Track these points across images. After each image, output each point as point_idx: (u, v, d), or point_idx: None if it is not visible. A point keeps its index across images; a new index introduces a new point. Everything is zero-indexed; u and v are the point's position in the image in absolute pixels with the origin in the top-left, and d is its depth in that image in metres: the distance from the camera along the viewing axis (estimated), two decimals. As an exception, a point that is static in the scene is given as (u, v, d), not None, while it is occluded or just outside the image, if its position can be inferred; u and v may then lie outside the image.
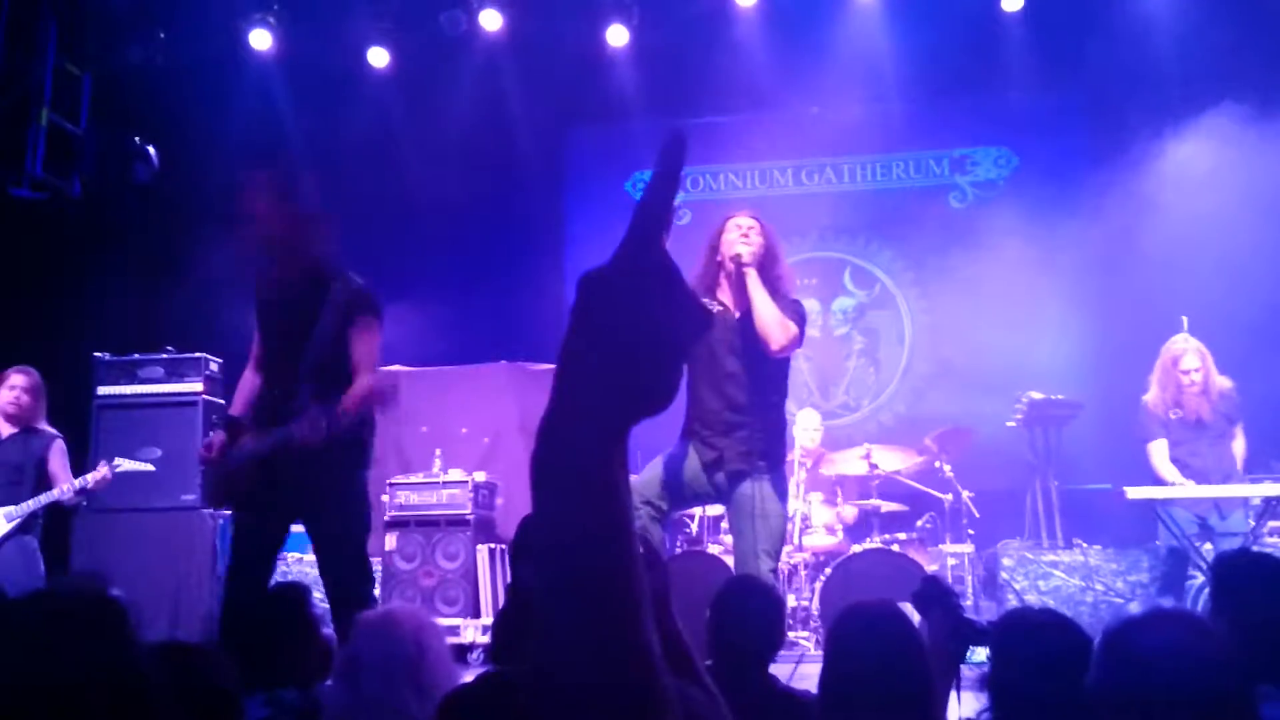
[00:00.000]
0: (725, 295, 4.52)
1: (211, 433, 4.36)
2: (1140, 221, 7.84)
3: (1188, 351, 6.25)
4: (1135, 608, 1.69)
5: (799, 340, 4.44)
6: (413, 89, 8.54)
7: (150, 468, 6.27)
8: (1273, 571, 3.03)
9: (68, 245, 7.75)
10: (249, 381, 4.29)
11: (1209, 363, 6.25)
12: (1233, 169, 7.58)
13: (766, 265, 4.47)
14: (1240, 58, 7.63)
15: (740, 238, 4.46)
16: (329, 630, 3.04)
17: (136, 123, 7.59)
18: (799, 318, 4.46)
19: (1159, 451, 6.26)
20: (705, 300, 4.44)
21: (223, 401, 6.86)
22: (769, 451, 4.47)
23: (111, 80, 7.56)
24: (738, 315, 4.47)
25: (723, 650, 2.88)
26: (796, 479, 6.44)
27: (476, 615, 6.55)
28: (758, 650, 2.93)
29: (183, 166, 7.69)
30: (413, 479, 6.93)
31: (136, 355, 7.02)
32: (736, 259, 4.40)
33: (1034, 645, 2.50)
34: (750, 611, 2.93)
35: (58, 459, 5.89)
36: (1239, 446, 6.29)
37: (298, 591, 3.04)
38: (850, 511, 6.78)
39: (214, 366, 7.03)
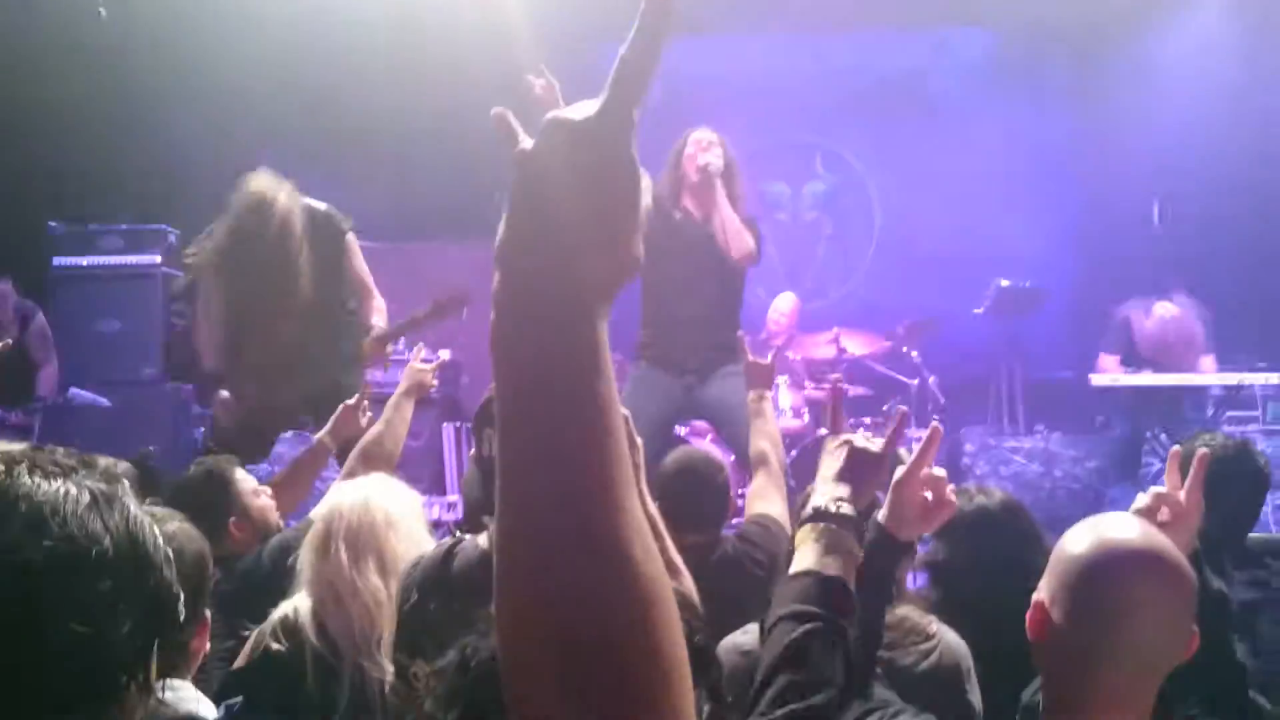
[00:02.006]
0: (688, 203, 4.76)
1: (215, 398, 4.43)
2: (1114, 107, 7.76)
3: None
4: (1091, 540, 1.58)
5: (757, 255, 4.72)
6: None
7: (105, 402, 6.20)
8: (1231, 458, 3.08)
9: (17, 109, 7.48)
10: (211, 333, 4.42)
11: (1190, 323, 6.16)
12: (1210, 55, 7.49)
13: (726, 182, 4.71)
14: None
15: (703, 150, 4.70)
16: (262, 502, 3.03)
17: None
18: (756, 233, 4.74)
19: (1110, 364, 6.24)
20: (669, 209, 4.71)
21: (182, 274, 6.74)
22: (735, 345, 4.62)
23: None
24: (700, 222, 4.72)
25: (674, 524, 2.89)
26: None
27: (442, 493, 6.57)
28: (709, 520, 2.95)
29: (144, 26, 7.39)
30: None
31: (93, 225, 6.85)
32: (706, 168, 4.63)
33: (976, 540, 2.53)
34: (696, 483, 2.94)
35: (37, 339, 5.87)
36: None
37: (219, 469, 3.00)
38: (816, 393, 6.81)
39: (173, 238, 6.87)
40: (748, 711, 1.56)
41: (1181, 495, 1.91)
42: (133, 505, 1.05)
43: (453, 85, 7.80)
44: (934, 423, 1.96)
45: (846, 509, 1.67)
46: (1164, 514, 1.90)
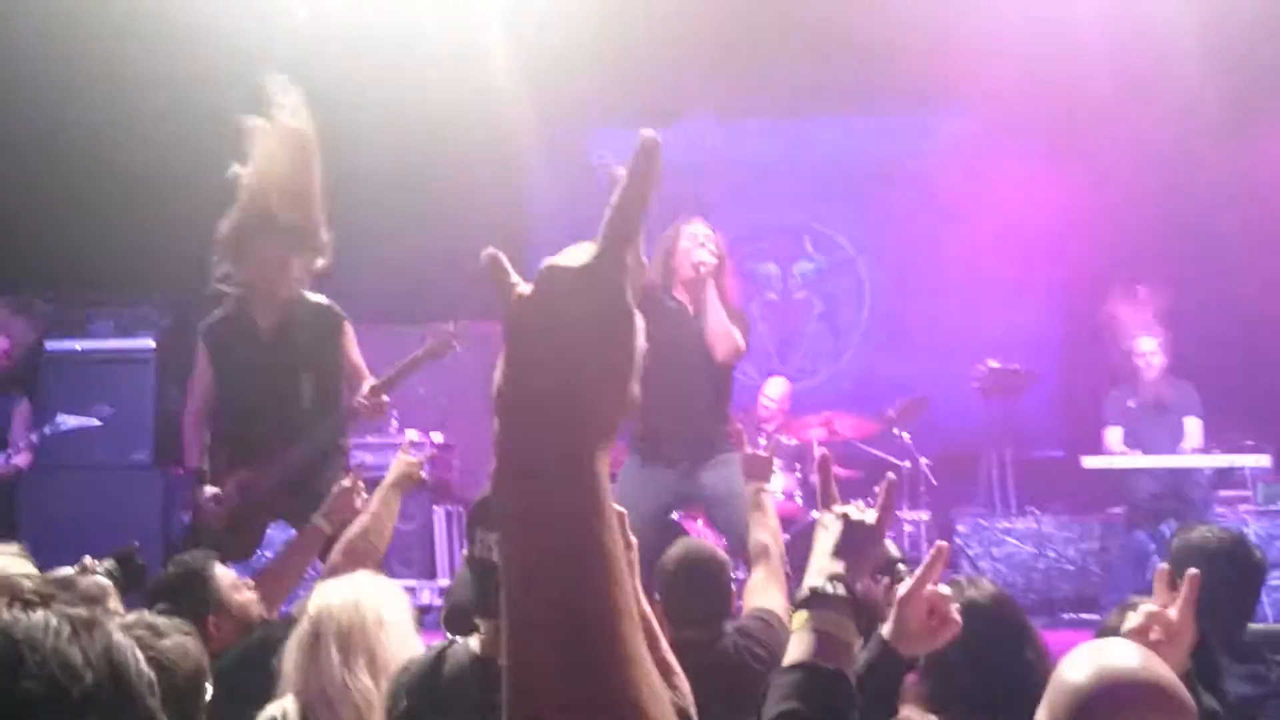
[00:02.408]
0: (681, 295, 4.79)
1: (202, 491, 4.42)
2: (1103, 186, 7.86)
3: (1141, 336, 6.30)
4: (1090, 669, 1.56)
5: (743, 351, 4.78)
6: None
7: (96, 422, 6.15)
8: (1226, 550, 3.08)
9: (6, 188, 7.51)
10: (196, 429, 4.54)
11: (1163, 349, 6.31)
12: (1200, 130, 7.58)
13: (716, 277, 4.75)
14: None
15: (699, 246, 4.72)
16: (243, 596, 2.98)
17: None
18: (745, 327, 4.80)
19: (1113, 438, 6.33)
20: (661, 298, 4.74)
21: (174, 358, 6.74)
22: (726, 435, 4.75)
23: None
24: (694, 312, 4.75)
25: (674, 619, 2.88)
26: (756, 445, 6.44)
27: (433, 577, 6.52)
28: (710, 616, 2.93)
29: (129, 105, 7.45)
30: (369, 439, 6.85)
31: (86, 309, 6.86)
32: (699, 266, 4.67)
33: (966, 633, 2.51)
34: (697, 578, 2.93)
35: (20, 424, 5.84)
36: (1193, 437, 6.30)
37: (202, 563, 2.96)
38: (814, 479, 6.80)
39: (166, 322, 6.88)
40: None
41: (1173, 613, 1.90)
42: (115, 632, 1.03)
43: (443, 171, 7.89)
44: (940, 543, 1.94)
45: (840, 589, 1.62)
46: (1156, 633, 1.89)
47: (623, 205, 0.78)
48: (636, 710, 0.72)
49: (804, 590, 1.64)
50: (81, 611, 1.02)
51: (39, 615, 0.99)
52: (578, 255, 0.78)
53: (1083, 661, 1.58)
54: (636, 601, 2.10)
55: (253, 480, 4.34)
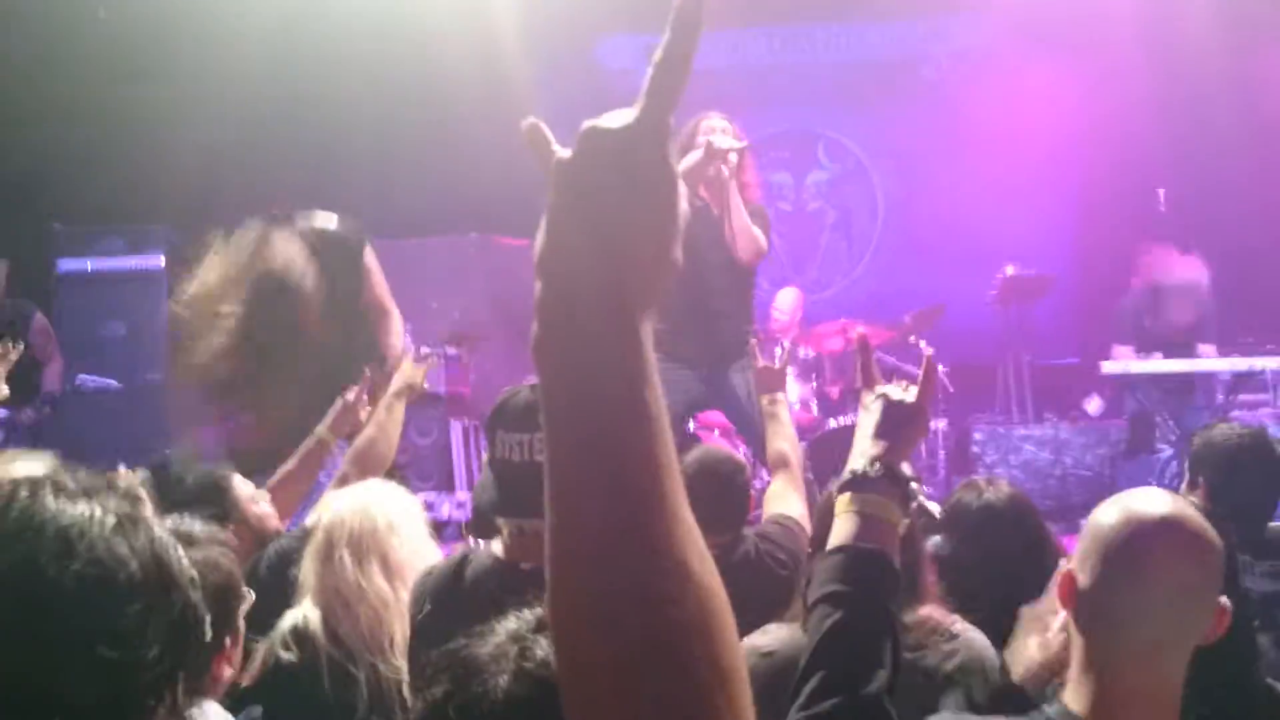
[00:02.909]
0: (705, 194, 4.66)
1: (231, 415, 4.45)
2: (1118, 90, 7.72)
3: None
4: (1118, 511, 1.61)
5: (765, 251, 4.69)
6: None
7: (115, 384, 6.17)
8: (1248, 447, 3.07)
9: (15, 111, 7.47)
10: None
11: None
12: (1214, 37, 7.44)
13: (737, 171, 4.62)
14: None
15: (723, 135, 4.54)
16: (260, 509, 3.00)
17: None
18: (766, 225, 4.71)
19: (1124, 353, 6.26)
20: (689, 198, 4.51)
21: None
22: (749, 337, 4.66)
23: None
24: (717, 211, 4.64)
25: (697, 522, 2.88)
26: (772, 354, 6.42)
27: (451, 491, 6.56)
28: (729, 520, 2.95)
29: (142, 31, 7.37)
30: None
31: (95, 227, 6.83)
32: (723, 156, 4.45)
33: (983, 536, 2.52)
34: (716, 483, 2.93)
35: (40, 338, 5.86)
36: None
37: (215, 479, 2.94)
38: (832, 388, 6.80)
39: (175, 239, 6.85)
40: (789, 708, 1.50)
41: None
42: (157, 527, 1.04)
43: (439, 79, 7.78)
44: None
45: (881, 469, 1.57)
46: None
47: (665, 63, 0.75)
48: (681, 565, 0.71)
49: (845, 473, 1.60)
50: (125, 505, 1.03)
51: (84, 506, 1.00)
52: (619, 117, 0.76)
53: (1111, 507, 1.63)
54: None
55: (281, 406, 4.27)
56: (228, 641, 1.72)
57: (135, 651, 0.96)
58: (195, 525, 1.80)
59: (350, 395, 3.58)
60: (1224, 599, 1.57)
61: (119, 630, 0.96)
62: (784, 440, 3.31)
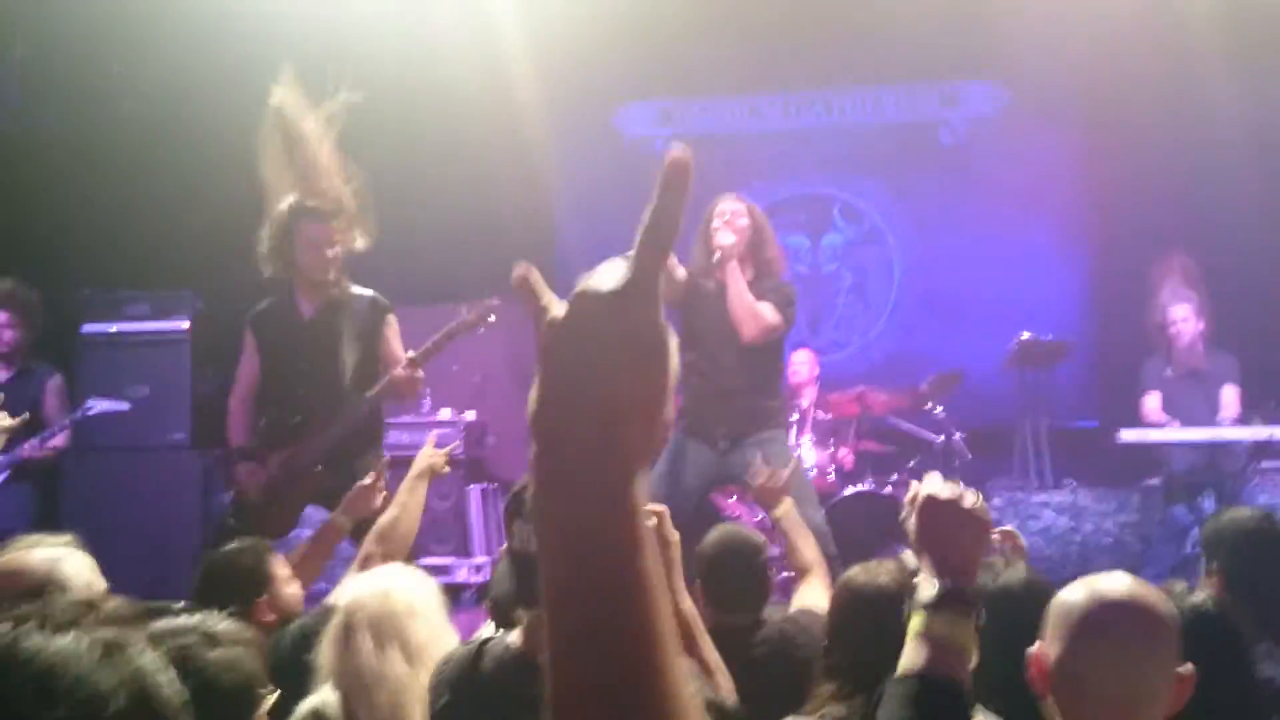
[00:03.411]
0: (720, 274, 4.74)
1: (238, 468, 4.58)
2: (1133, 156, 7.76)
3: (1176, 303, 6.24)
4: (1083, 591, 1.78)
5: (779, 327, 4.71)
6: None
7: (125, 405, 6.20)
8: (1256, 530, 3.06)
9: (46, 179, 7.60)
10: (242, 412, 4.66)
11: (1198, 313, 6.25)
12: (1231, 102, 7.49)
13: (757, 248, 4.75)
14: None
15: (724, 225, 4.68)
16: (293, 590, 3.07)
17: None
18: (785, 302, 4.74)
19: (1151, 404, 6.28)
20: (701, 280, 4.74)
21: (209, 339, 6.80)
22: (774, 413, 4.80)
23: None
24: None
25: (716, 604, 2.90)
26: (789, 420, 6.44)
27: (468, 555, 6.56)
28: (750, 601, 2.95)
29: (164, 95, 7.51)
30: (404, 418, 6.89)
31: (121, 293, 6.92)
32: (715, 250, 4.63)
33: (999, 617, 2.52)
34: (737, 564, 2.95)
35: (53, 399, 5.89)
36: (1229, 407, 6.23)
37: (252, 555, 3.02)
38: (846, 457, 6.79)
39: (199, 304, 6.94)
40: None
41: None
42: (144, 654, 1.03)
43: (462, 145, 7.89)
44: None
45: (929, 591, 1.53)
46: None
47: (655, 224, 0.77)
48: None
49: (918, 595, 1.57)
50: (109, 633, 1.02)
51: (67, 639, 0.98)
52: (609, 277, 0.77)
53: (1078, 587, 1.79)
54: (676, 601, 2.12)
55: (292, 456, 4.42)
56: None
57: None
58: (220, 623, 1.81)
59: (366, 480, 3.66)
60: (1187, 666, 1.70)
61: None
62: (805, 549, 3.34)
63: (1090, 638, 1.71)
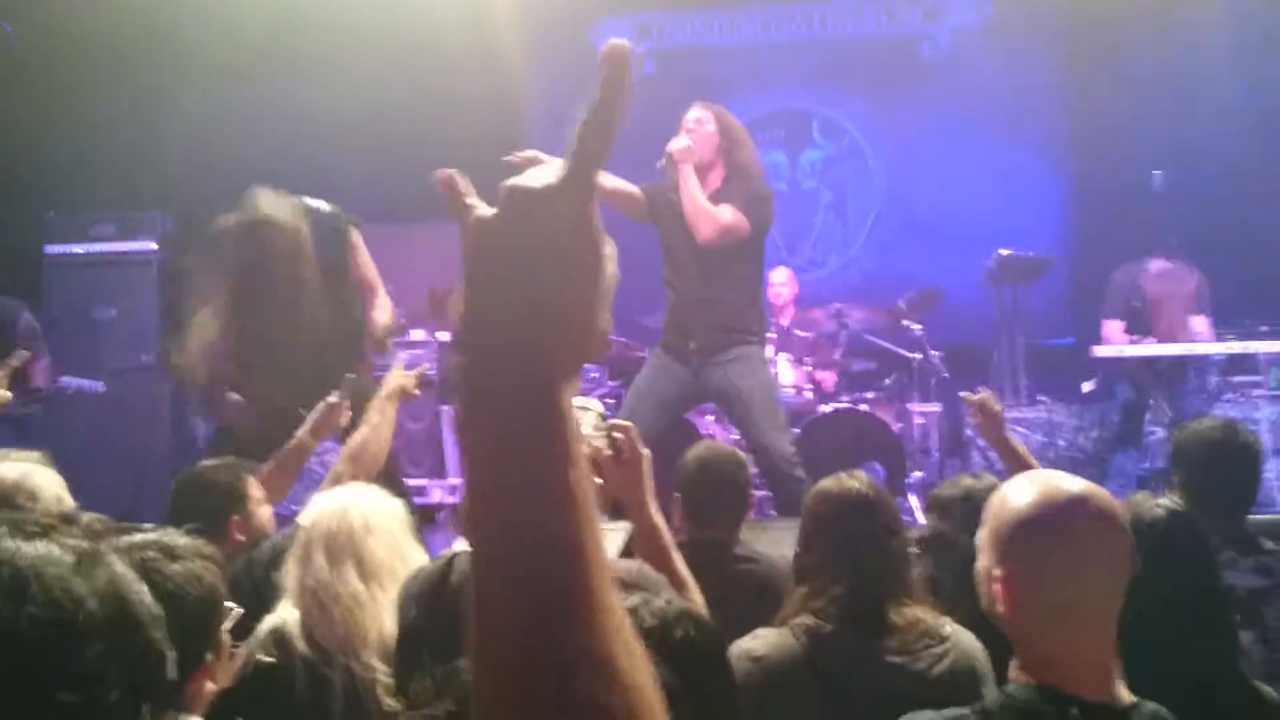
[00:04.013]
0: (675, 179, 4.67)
1: (224, 400, 4.46)
2: (1116, 72, 7.67)
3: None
4: (1029, 491, 1.71)
5: (738, 228, 4.56)
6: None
7: (100, 387, 6.13)
8: (1219, 441, 3.07)
9: (7, 98, 7.42)
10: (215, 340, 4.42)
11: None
12: (1214, 20, 7.41)
13: (727, 151, 4.65)
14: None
15: (685, 132, 4.62)
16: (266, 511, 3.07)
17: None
18: (753, 201, 4.61)
19: (1113, 331, 6.24)
20: (670, 194, 4.65)
21: (176, 259, 6.69)
22: (747, 325, 4.69)
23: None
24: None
25: (695, 520, 2.90)
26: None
27: (443, 476, 6.55)
28: (728, 517, 2.96)
29: (132, 21, 7.30)
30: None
31: (88, 214, 6.80)
32: (669, 153, 4.56)
33: (966, 516, 2.55)
34: (719, 479, 2.95)
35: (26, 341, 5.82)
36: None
37: (227, 472, 3.01)
38: (826, 375, 6.78)
39: (167, 225, 6.82)
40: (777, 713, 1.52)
41: None
42: (118, 564, 1.02)
43: (434, 65, 7.73)
44: None
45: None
46: None
47: (593, 122, 0.72)
48: (607, 666, 0.68)
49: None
50: (84, 543, 1.02)
51: (41, 545, 0.98)
52: (542, 176, 0.72)
53: (1024, 487, 1.70)
54: (648, 515, 2.09)
55: (274, 392, 4.32)
56: (209, 657, 1.71)
57: (95, 695, 0.94)
58: (179, 538, 1.78)
59: (333, 399, 3.64)
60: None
61: (77, 674, 0.94)
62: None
63: (1047, 540, 1.64)
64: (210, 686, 1.72)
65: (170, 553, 1.71)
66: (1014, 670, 1.69)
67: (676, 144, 4.58)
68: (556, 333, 0.71)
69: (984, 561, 1.71)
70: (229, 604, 1.79)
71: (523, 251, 0.71)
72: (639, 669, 0.69)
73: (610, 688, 0.67)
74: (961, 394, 3.37)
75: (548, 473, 0.69)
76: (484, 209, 0.74)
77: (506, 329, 0.70)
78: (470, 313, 0.72)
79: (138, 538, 1.75)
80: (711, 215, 4.52)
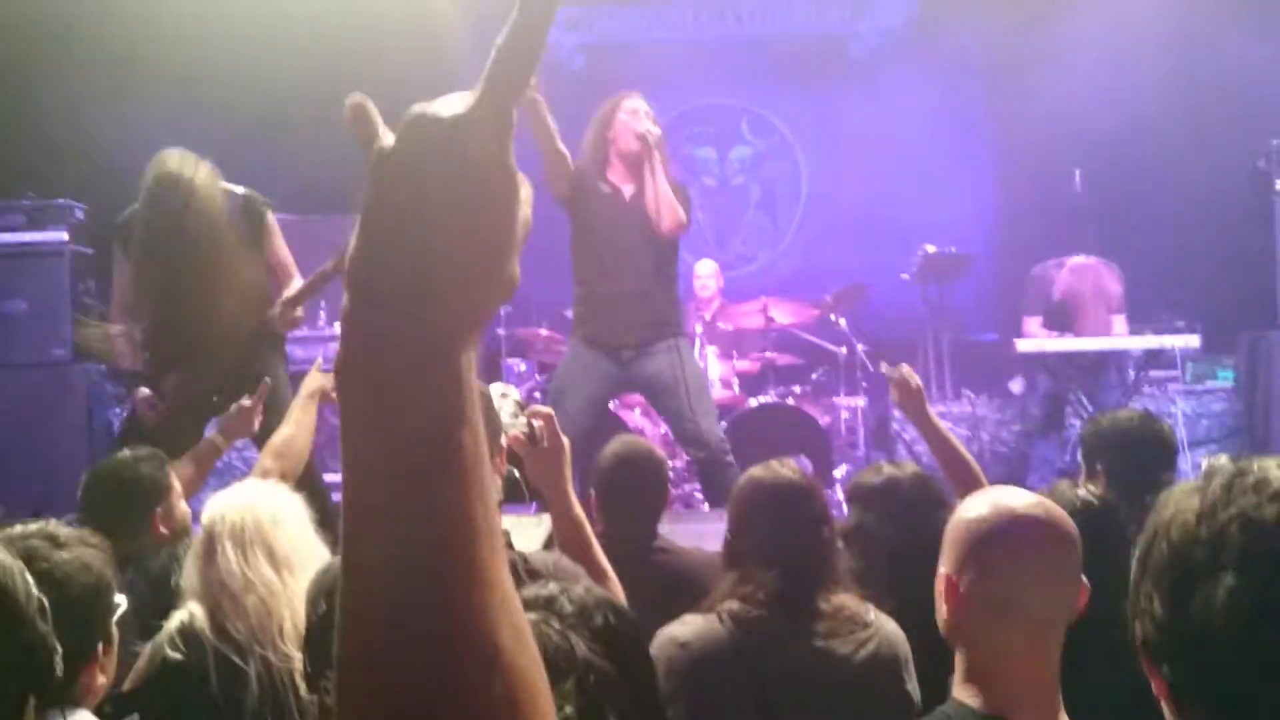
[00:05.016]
0: (615, 175, 4.68)
1: (134, 394, 4.29)
2: (1036, 70, 7.79)
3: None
4: (984, 505, 1.73)
5: (686, 225, 4.64)
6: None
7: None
8: (1134, 429, 3.15)
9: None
10: (125, 332, 4.33)
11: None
12: (1132, 20, 7.56)
13: (660, 150, 4.61)
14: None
15: (642, 118, 4.59)
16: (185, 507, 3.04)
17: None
18: (688, 202, 4.68)
19: (1033, 327, 6.34)
20: (594, 179, 4.62)
21: (90, 251, 6.50)
22: (674, 319, 4.72)
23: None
24: (628, 195, 4.64)
25: (611, 515, 2.88)
26: (693, 332, 6.40)
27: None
28: (644, 512, 2.94)
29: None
30: (300, 332, 6.68)
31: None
32: (644, 136, 4.51)
33: (886, 505, 2.59)
34: (634, 474, 2.93)
35: None
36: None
37: (152, 464, 2.95)
38: (752, 369, 6.79)
39: (79, 213, 6.61)
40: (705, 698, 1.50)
41: None
42: (2, 553, 0.96)
43: (369, 51, 7.60)
44: None
45: None
46: None
47: (510, 47, 0.64)
48: (489, 646, 0.61)
49: None
50: None
51: None
52: (452, 104, 0.64)
53: (979, 503, 1.74)
54: (570, 503, 2.05)
55: (185, 383, 4.21)
56: (100, 648, 1.63)
57: None
58: (61, 528, 1.70)
59: (246, 401, 3.64)
60: (1083, 579, 1.71)
61: None
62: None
63: (1004, 557, 1.67)
64: (101, 680, 1.65)
65: (55, 541, 1.64)
66: (956, 687, 1.69)
67: (652, 127, 4.54)
68: (457, 277, 0.63)
69: (939, 570, 1.74)
70: (118, 595, 1.72)
71: (425, 185, 0.63)
72: (525, 653, 0.63)
73: (489, 669, 0.61)
74: (882, 367, 3.35)
75: (435, 431, 0.62)
76: (388, 138, 0.66)
77: (400, 269, 0.63)
78: (361, 250, 0.64)
79: (18, 529, 1.68)
80: (676, 207, 4.53)
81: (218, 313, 4.17)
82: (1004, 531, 1.67)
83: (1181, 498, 1.02)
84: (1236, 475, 0.97)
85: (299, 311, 4.22)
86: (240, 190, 4.28)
